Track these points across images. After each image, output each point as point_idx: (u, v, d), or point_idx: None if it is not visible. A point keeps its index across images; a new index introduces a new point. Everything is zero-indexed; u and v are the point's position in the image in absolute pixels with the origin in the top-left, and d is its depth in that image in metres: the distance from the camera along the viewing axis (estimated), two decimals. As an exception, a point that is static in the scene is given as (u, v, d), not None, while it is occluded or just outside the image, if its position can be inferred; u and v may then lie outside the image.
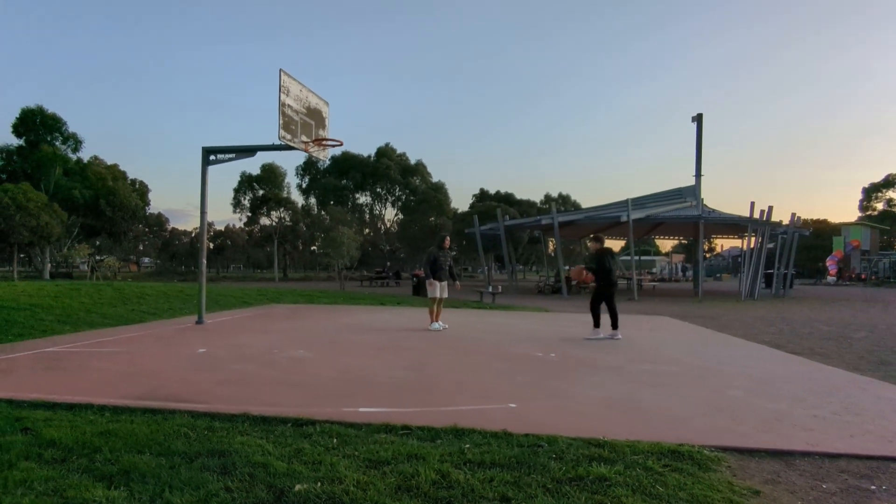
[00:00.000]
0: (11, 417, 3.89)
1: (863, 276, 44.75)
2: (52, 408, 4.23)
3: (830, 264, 48.61)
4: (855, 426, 4.11)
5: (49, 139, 39.94)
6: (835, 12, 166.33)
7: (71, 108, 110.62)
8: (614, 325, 8.71)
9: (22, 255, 42.02)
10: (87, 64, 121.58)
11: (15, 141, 40.23)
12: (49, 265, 39.81)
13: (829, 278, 43.99)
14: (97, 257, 43.60)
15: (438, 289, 9.84)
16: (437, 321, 9.86)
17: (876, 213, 61.18)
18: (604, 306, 8.86)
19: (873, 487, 3.02)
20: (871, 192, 62.82)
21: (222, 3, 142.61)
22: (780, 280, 26.86)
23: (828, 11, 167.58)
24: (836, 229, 53.97)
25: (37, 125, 39.73)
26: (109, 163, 43.79)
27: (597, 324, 8.84)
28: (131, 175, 45.92)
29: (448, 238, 10.06)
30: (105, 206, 40.08)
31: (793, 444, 3.67)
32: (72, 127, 41.55)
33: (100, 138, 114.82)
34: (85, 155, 42.97)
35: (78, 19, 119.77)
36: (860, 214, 61.96)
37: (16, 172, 38.96)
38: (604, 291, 8.82)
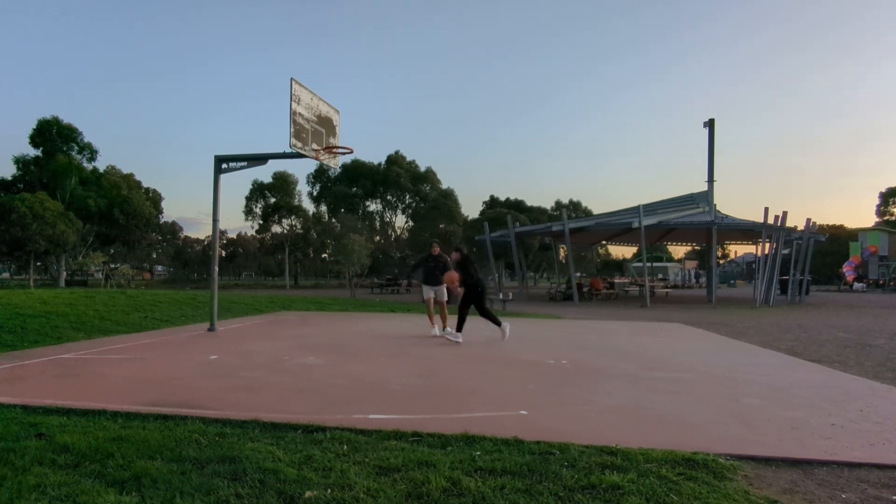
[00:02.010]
0: (26, 423, 3.92)
1: (880, 282, 44.02)
2: (66, 414, 4.26)
3: (847, 270, 47.83)
4: (874, 435, 4.02)
5: (65, 149, 40.64)
6: (844, 14, 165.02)
7: (87, 119, 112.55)
8: (458, 328, 9.13)
9: (38, 264, 42.65)
10: (102, 73, 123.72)
11: (32, 151, 41.04)
12: (64, 273, 40.39)
13: (858, 285, 42.69)
14: (111, 265, 44.13)
15: (425, 291, 10.26)
16: (434, 326, 10.03)
17: (894, 217, 60.36)
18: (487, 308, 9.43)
19: (894, 498, 2.95)
20: (888, 196, 62.04)
21: (233, 12, 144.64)
22: (795, 286, 26.52)
23: (838, 13, 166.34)
24: (853, 234, 53.23)
25: (53, 136, 40.48)
26: (125, 172, 44.46)
27: (460, 327, 9.04)
28: (145, 184, 46.58)
29: (436, 244, 10.48)
30: (119, 214, 40.65)
31: (811, 452, 3.59)
32: (87, 137, 42.32)
33: (115, 148, 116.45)
34: (101, 164, 43.70)
35: (93, 33, 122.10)
36: (877, 220, 61.15)
37: (32, 182, 39.67)
38: (470, 293, 9.21)
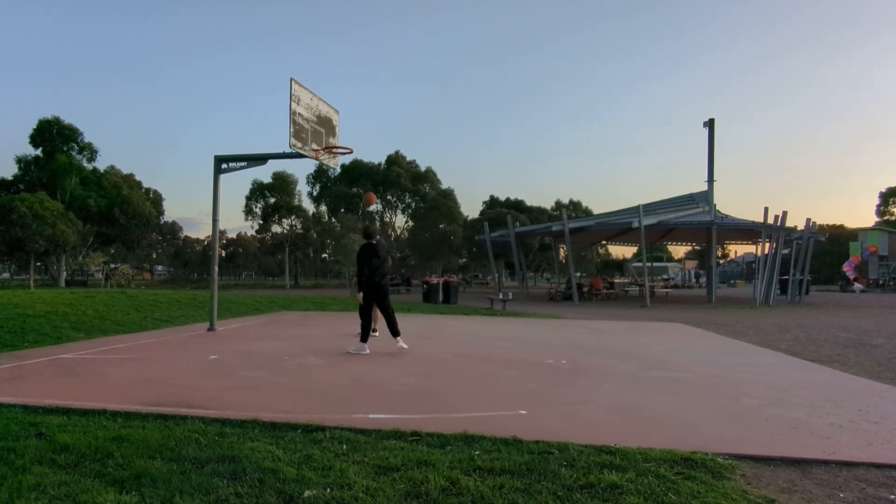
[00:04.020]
0: (26, 423, 3.93)
1: (880, 282, 43.98)
2: (66, 413, 4.27)
3: (847, 269, 47.80)
4: (873, 434, 4.03)
5: (65, 149, 40.60)
6: (844, 14, 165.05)
7: (87, 119, 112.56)
8: (392, 331, 7.87)
9: (38, 264, 42.64)
10: (102, 73, 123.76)
11: (32, 151, 41.02)
12: (64, 273, 40.36)
13: (858, 286, 42.44)
14: (111, 265, 44.14)
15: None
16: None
17: (894, 217, 60.35)
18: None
19: (892, 497, 2.96)
20: (888, 196, 61.98)
21: (233, 11, 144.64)
22: (795, 286, 26.52)
23: (838, 13, 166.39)
24: (853, 234, 53.20)
25: (53, 136, 40.42)
26: (125, 172, 44.43)
27: (364, 337, 7.77)
28: (145, 184, 46.56)
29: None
30: (119, 214, 40.62)
31: (809, 452, 3.60)
32: (88, 137, 42.24)
33: (115, 148, 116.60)
34: (101, 164, 43.66)
35: (94, 33, 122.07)
36: (877, 219, 61.12)
37: (33, 182, 39.64)
38: (368, 295, 7.77)
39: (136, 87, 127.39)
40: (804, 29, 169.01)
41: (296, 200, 52.43)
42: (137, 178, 44.95)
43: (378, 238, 8.32)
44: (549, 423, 4.17)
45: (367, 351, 7.67)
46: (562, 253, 39.53)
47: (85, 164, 42.00)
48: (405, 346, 7.90)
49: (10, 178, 41.49)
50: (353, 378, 5.85)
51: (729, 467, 3.27)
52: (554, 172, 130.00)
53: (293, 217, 51.59)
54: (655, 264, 62.04)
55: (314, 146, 10.25)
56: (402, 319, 13.29)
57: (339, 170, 46.12)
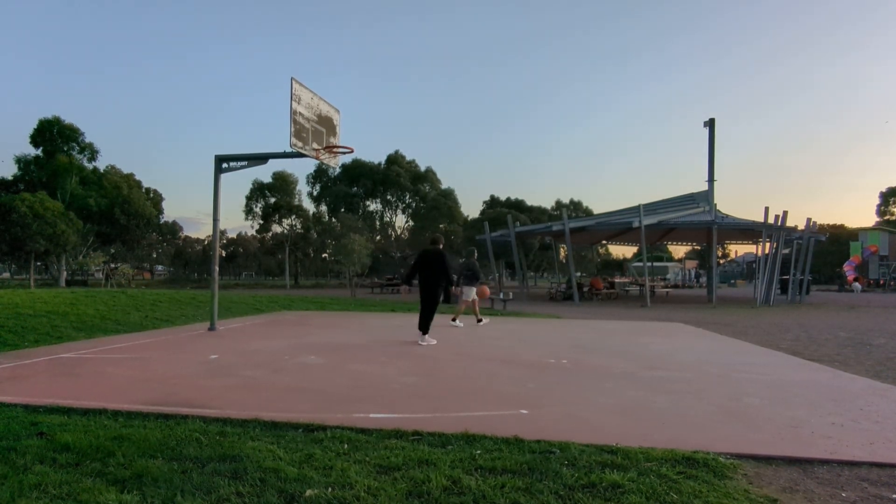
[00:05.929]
0: (27, 422, 3.93)
1: (881, 282, 43.95)
2: (67, 413, 4.26)
3: (848, 269, 47.76)
4: (875, 434, 4.02)
5: (66, 149, 40.58)
6: (845, 13, 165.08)
7: (87, 118, 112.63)
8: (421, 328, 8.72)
9: (38, 263, 42.65)
10: (102, 73, 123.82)
11: (32, 151, 41.02)
12: (65, 273, 40.36)
13: (857, 285, 42.18)
14: (112, 265, 44.12)
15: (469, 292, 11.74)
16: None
17: (894, 217, 60.35)
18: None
19: (894, 496, 2.95)
20: (888, 196, 61.99)
21: (233, 11, 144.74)
22: (795, 286, 26.50)
23: (838, 12, 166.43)
24: (853, 234, 53.18)
25: (54, 135, 40.42)
26: (125, 172, 44.41)
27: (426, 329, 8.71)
28: (145, 184, 46.55)
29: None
30: (120, 214, 40.64)
31: (811, 451, 3.60)
32: (88, 136, 42.23)
33: (115, 148, 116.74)
34: (101, 164, 43.65)
35: (94, 33, 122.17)
36: (877, 219, 61.11)
37: (33, 182, 39.64)
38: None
39: (137, 87, 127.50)
40: (805, 29, 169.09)
41: (296, 200, 52.45)
42: (137, 177, 44.96)
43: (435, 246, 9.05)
44: (550, 423, 4.17)
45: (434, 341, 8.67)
46: (562, 253, 39.52)
47: (85, 163, 42.02)
48: (434, 341, 8.70)
49: (10, 177, 41.50)
50: (354, 377, 5.85)
51: (731, 467, 3.27)
52: (554, 172, 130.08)
53: (293, 217, 51.62)
54: (656, 264, 61.99)
55: (315, 146, 10.25)
56: (403, 319, 13.31)
57: (339, 169, 46.07)
